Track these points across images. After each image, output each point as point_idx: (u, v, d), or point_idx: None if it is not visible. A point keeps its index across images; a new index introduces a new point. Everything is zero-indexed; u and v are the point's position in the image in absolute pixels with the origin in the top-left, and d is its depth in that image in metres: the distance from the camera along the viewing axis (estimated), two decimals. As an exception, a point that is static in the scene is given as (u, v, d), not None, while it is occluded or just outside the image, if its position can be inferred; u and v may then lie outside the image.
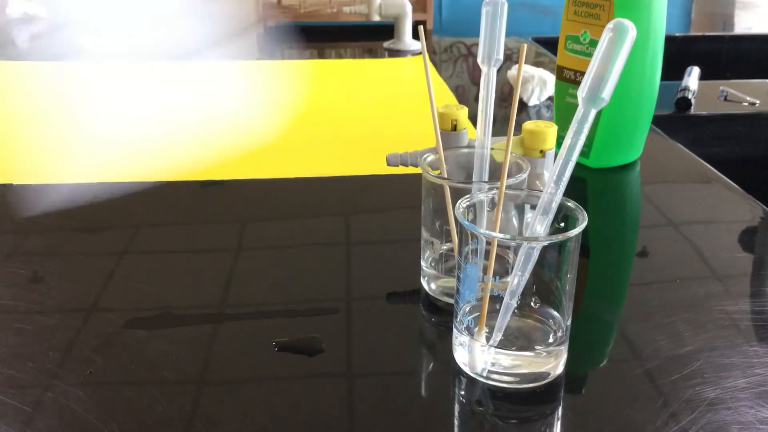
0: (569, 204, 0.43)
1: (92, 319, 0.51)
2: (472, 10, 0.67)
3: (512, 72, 1.12)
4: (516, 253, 0.42)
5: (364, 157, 0.82)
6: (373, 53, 1.36)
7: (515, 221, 0.47)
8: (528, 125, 0.56)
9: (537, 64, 1.18)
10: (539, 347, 0.45)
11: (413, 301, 0.54)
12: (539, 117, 0.98)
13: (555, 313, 0.45)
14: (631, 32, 0.39)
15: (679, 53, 1.46)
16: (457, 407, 0.44)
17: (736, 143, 1.04)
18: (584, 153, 0.77)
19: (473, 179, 0.53)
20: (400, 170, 0.64)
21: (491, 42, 0.52)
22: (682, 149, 0.85)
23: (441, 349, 0.49)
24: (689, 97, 1.03)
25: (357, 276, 0.57)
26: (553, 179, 0.42)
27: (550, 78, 1.01)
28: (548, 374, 0.45)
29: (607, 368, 0.47)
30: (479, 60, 0.52)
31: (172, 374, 0.46)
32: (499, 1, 0.50)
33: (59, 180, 0.76)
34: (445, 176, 0.53)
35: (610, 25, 0.39)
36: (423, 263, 0.54)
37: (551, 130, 0.56)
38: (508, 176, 0.45)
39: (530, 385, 0.44)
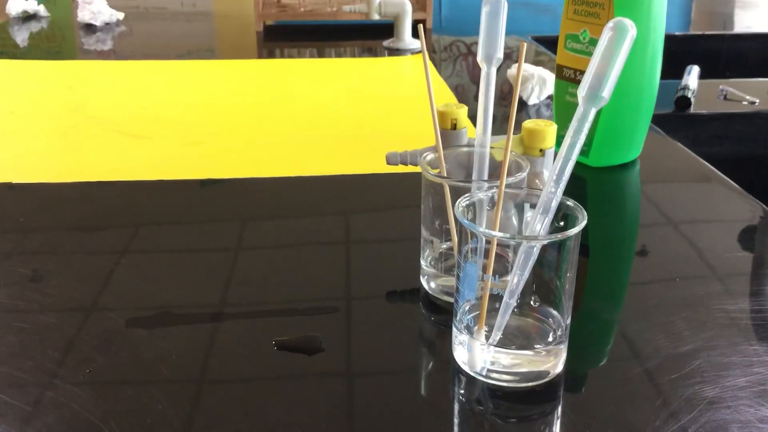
0: (569, 203, 0.43)
1: (92, 319, 0.51)
2: (471, 8, 0.67)
3: (512, 71, 1.12)
4: (516, 252, 0.42)
5: (363, 156, 0.82)
6: (372, 52, 1.36)
7: (515, 220, 0.47)
8: (528, 124, 0.56)
9: (537, 63, 1.18)
10: (539, 346, 0.45)
11: (413, 300, 0.54)
12: (539, 116, 0.98)
13: (554, 312, 0.45)
14: (631, 31, 0.39)
15: (678, 52, 1.45)
16: (456, 406, 0.44)
17: (735, 142, 1.04)
18: (584, 152, 0.77)
19: (473, 178, 0.53)
20: (400, 169, 0.64)
21: (491, 41, 0.52)
22: (681, 148, 0.85)
23: (441, 348, 0.49)
24: (689, 96, 1.03)
25: (357, 275, 0.57)
26: (552, 178, 0.42)
27: (550, 77, 1.01)
28: (548, 373, 0.45)
29: (607, 367, 0.47)
30: (479, 59, 0.52)
31: (171, 374, 0.46)
32: (499, -1, 0.50)
33: (59, 179, 0.76)
34: (445, 175, 0.53)
35: (610, 24, 0.39)
36: (423, 262, 0.54)
37: (551, 128, 0.56)
38: (508, 175, 0.45)
39: (530, 383, 0.44)
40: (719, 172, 0.77)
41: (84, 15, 1.54)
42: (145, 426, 0.41)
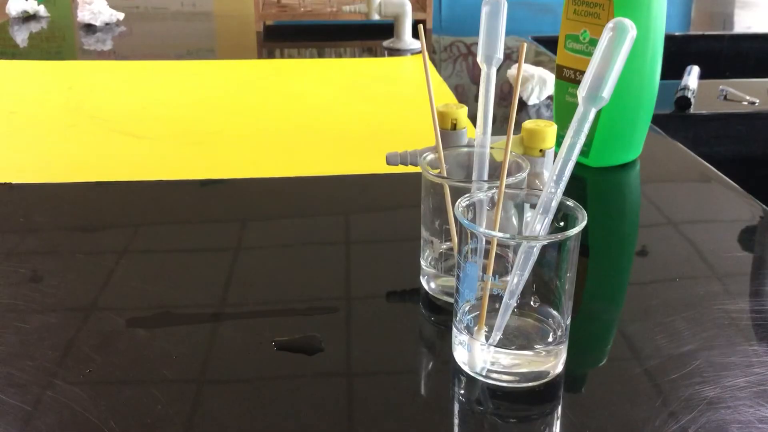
0: (569, 203, 0.43)
1: (92, 318, 0.51)
2: (472, 9, 0.67)
3: (512, 71, 1.12)
4: (515, 253, 0.42)
5: (363, 156, 0.82)
6: (372, 52, 1.36)
7: (515, 220, 0.47)
8: (528, 124, 0.56)
9: (537, 63, 1.18)
10: (539, 346, 0.45)
11: (413, 300, 0.54)
12: (539, 116, 0.98)
13: (554, 312, 0.45)
14: (631, 31, 0.39)
15: (678, 52, 1.46)
16: (456, 406, 0.44)
17: (735, 142, 1.04)
18: (584, 152, 0.77)
19: (473, 178, 0.53)
20: (400, 169, 0.64)
21: (491, 41, 0.52)
22: (681, 148, 0.85)
23: (441, 348, 0.49)
24: (689, 96, 1.03)
25: (357, 275, 0.57)
26: (552, 178, 0.42)
27: (550, 77, 1.01)
28: (548, 373, 0.45)
29: (607, 367, 0.47)
30: (479, 59, 0.52)
31: (171, 373, 0.46)
32: None
33: (59, 179, 0.76)
34: (445, 175, 0.53)
35: (610, 25, 0.39)
36: (423, 262, 0.54)
37: (551, 129, 0.56)
38: (508, 175, 0.45)
39: (530, 384, 0.44)
40: (719, 172, 0.77)
41: (84, 15, 1.54)
42: (145, 426, 0.41)
